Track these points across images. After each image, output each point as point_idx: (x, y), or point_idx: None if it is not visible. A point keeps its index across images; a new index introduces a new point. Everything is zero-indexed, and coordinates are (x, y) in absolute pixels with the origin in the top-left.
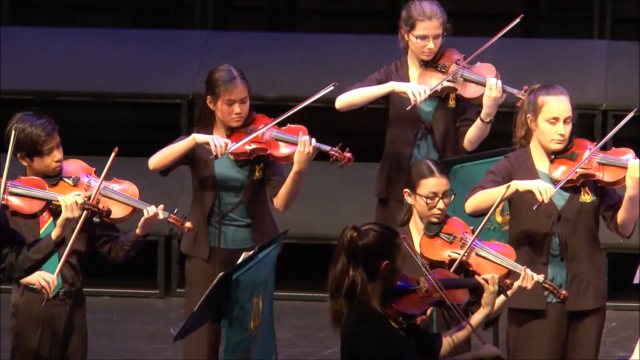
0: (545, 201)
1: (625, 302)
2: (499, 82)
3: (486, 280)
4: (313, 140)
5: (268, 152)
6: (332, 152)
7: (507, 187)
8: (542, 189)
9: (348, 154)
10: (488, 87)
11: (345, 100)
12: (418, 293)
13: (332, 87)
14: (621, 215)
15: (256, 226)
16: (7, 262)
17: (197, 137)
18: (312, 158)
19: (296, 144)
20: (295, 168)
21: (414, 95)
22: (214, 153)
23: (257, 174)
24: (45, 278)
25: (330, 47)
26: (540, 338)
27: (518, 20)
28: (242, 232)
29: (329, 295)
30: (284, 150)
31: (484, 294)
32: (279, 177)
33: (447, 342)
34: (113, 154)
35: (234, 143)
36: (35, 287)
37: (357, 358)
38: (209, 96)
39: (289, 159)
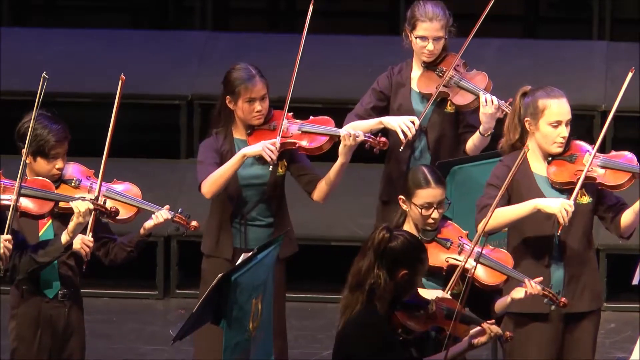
0: (567, 224)
1: (624, 304)
2: (494, 98)
3: (490, 329)
4: (360, 132)
5: (297, 145)
6: (367, 139)
7: (529, 207)
8: (564, 211)
9: (382, 139)
10: (482, 103)
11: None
12: (424, 314)
13: None
14: (629, 218)
15: (278, 224)
16: (11, 264)
17: (248, 151)
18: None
19: (327, 135)
20: (341, 160)
21: (404, 134)
22: (269, 160)
23: (280, 170)
24: (86, 243)
25: (330, 49)
26: (537, 340)
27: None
28: (263, 232)
29: (347, 286)
30: (316, 141)
31: (482, 337)
32: (311, 171)
33: None
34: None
35: (274, 139)
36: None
37: (353, 357)
38: (228, 96)
39: (322, 149)
